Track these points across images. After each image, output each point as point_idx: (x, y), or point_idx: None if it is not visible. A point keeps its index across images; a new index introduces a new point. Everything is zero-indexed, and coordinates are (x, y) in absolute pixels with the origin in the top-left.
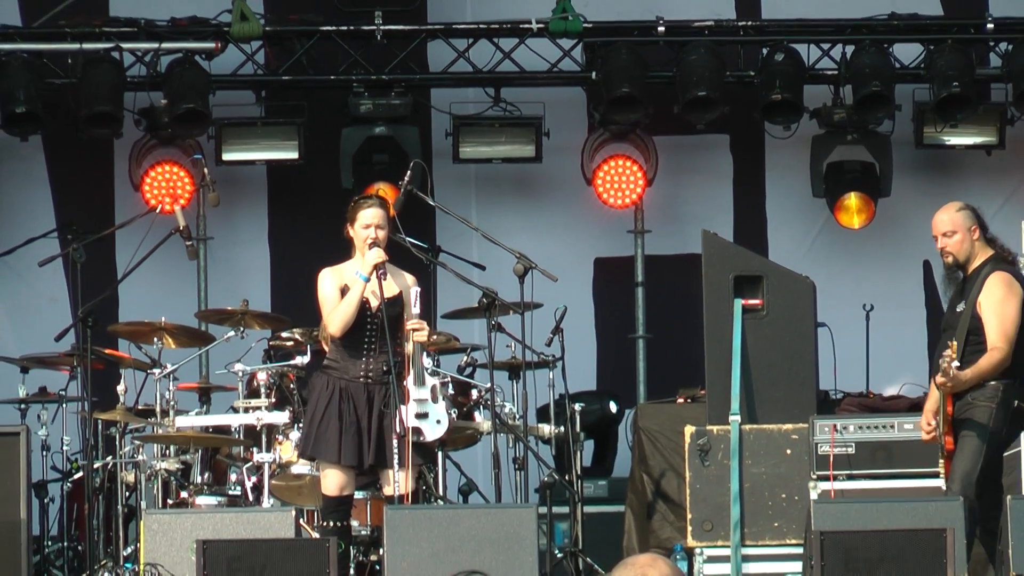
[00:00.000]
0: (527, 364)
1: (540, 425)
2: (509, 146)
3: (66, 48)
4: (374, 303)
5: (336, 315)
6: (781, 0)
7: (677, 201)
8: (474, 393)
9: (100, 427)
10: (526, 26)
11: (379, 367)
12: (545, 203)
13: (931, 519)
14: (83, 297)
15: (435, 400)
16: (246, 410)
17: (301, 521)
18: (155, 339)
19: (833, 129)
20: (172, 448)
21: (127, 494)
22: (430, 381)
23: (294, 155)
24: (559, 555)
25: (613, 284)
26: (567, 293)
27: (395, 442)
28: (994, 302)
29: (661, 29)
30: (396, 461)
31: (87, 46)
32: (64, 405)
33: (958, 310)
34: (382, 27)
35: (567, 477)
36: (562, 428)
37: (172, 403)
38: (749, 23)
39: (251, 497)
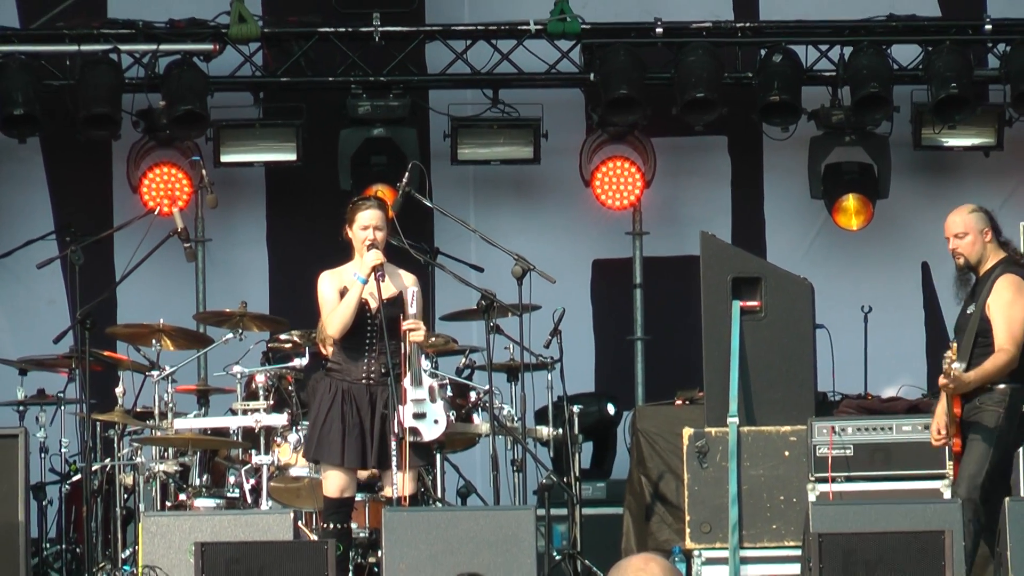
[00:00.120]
0: (525, 366)
1: (538, 427)
2: (507, 147)
3: (64, 50)
4: (373, 305)
5: (334, 317)
6: (779, 1)
7: (675, 203)
8: (472, 395)
9: (98, 429)
10: (524, 27)
11: (380, 368)
12: (543, 205)
13: (929, 521)
14: (81, 299)
15: (433, 400)
16: (244, 412)
17: (299, 523)
18: (153, 341)
19: (831, 130)
20: (170, 450)
21: (125, 496)
22: (428, 381)
23: (292, 157)
24: (557, 557)
25: (611, 286)
26: (565, 295)
27: (393, 444)
28: (1003, 304)
29: (659, 30)
30: (399, 461)
31: (85, 48)
32: (62, 407)
33: (968, 312)
34: (380, 28)
35: (565, 479)
36: (560, 430)
37: (170, 405)
38: (747, 24)
39: (249, 499)
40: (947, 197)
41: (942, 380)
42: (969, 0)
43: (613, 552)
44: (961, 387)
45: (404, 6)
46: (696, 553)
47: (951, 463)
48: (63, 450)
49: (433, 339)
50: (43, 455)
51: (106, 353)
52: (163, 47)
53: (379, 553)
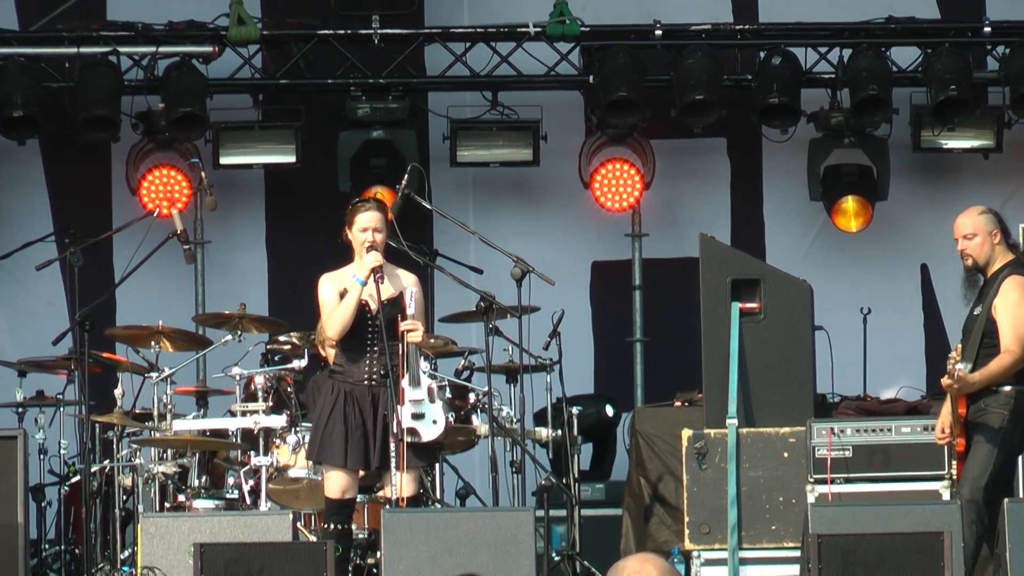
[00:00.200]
0: (524, 368)
1: (537, 429)
2: (506, 150)
3: (63, 52)
4: (374, 306)
5: (333, 319)
6: (778, 3)
7: (674, 205)
8: (471, 397)
9: (97, 431)
10: (523, 30)
11: (380, 370)
12: (542, 207)
13: (928, 522)
14: (80, 301)
15: (432, 401)
16: (243, 414)
17: (298, 524)
18: (152, 343)
19: (830, 132)
20: (169, 452)
21: (124, 498)
22: (426, 382)
23: (291, 159)
24: (556, 558)
25: (610, 288)
26: (564, 297)
27: (392, 444)
28: (1009, 306)
29: (658, 33)
30: (396, 463)
31: (84, 50)
32: (61, 409)
33: (975, 313)
34: (379, 31)
35: (564, 480)
36: (559, 432)
37: (169, 407)
38: (746, 27)
39: (248, 500)
40: (946, 199)
41: (946, 380)
42: (968, 2)
43: (612, 553)
44: (965, 388)
45: (403, 8)
46: (695, 554)
47: (955, 463)
48: (62, 451)
49: (432, 340)
50: (42, 456)
51: (105, 355)
52: (162, 49)
53: (378, 554)
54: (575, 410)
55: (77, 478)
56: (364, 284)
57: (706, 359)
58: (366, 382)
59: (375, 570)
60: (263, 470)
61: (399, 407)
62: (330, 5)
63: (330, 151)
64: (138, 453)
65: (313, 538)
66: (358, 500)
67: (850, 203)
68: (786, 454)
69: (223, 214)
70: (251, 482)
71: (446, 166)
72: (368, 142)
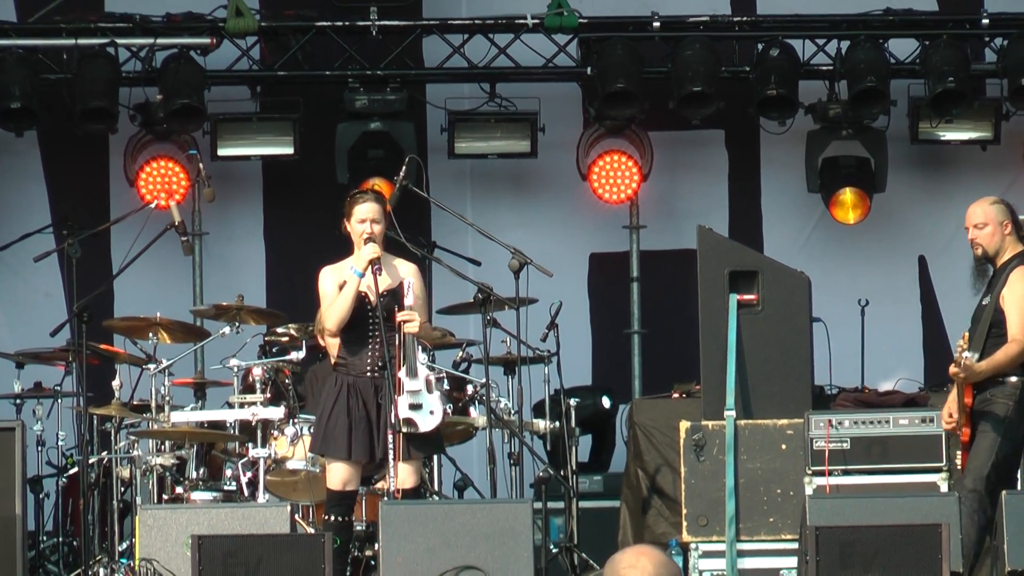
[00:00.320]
0: (522, 359)
1: (536, 420)
2: (504, 141)
3: (61, 44)
4: (374, 298)
5: (331, 311)
6: None
7: (672, 196)
8: (469, 388)
9: (95, 422)
10: (521, 21)
11: (380, 361)
12: (540, 198)
13: (926, 514)
14: (78, 292)
15: (429, 391)
16: (241, 405)
17: (296, 516)
18: (150, 334)
19: (828, 124)
20: (167, 443)
21: (122, 489)
22: (424, 372)
23: (289, 150)
24: (554, 550)
25: (608, 279)
26: (562, 288)
27: (390, 436)
28: (1017, 296)
29: (656, 24)
30: (401, 454)
31: (82, 42)
32: (59, 400)
33: (983, 303)
34: (377, 22)
35: (562, 472)
36: (557, 423)
37: (167, 398)
38: (744, 18)
39: (246, 492)
40: (944, 191)
41: (953, 368)
42: None
43: (610, 545)
44: (972, 376)
45: (401, 0)
46: (693, 546)
47: (959, 453)
48: (60, 443)
49: (434, 331)
50: (40, 448)
51: (103, 346)
52: (160, 41)
53: (376, 546)
54: (573, 402)
55: (75, 470)
56: (362, 276)
57: (704, 351)
58: (368, 374)
59: (373, 562)
60: (261, 462)
61: (397, 398)
62: None
63: (328, 143)
64: (136, 445)
65: (311, 530)
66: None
67: (848, 195)
68: (784, 446)
69: (221, 206)
70: (249, 474)
71: (444, 158)
72: (366, 134)
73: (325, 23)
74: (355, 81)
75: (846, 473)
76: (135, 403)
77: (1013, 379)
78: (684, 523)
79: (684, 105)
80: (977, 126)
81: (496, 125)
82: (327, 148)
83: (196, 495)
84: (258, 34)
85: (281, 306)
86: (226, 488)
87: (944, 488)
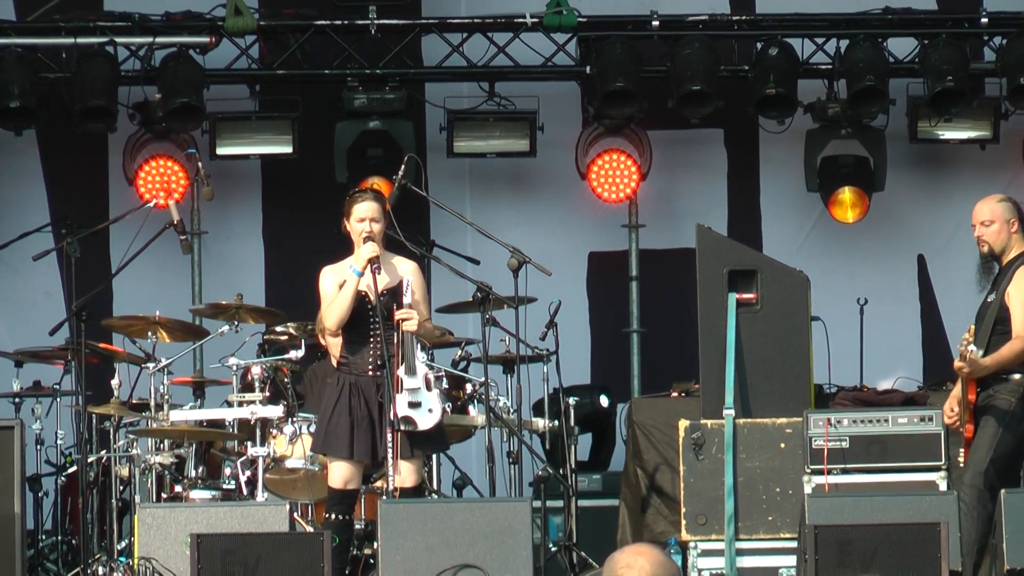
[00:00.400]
0: (521, 358)
1: (535, 419)
2: (503, 140)
3: (60, 42)
4: (373, 297)
5: (331, 310)
6: None
7: (671, 195)
8: (468, 387)
9: (94, 421)
10: (520, 20)
11: (378, 360)
12: (539, 197)
13: (925, 513)
14: (77, 291)
15: (428, 389)
16: (240, 404)
17: (295, 515)
18: (149, 333)
19: (827, 123)
20: (166, 442)
21: (121, 488)
22: (422, 370)
23: (288, 149)
24: (553, 549)
25: (607, 278)
26: (561, 287)
27: (389, 434)
28: (1022, 293)
29: (655, 23)
30: (402, 452)
31: (81, 40)
32: (58, 399)
33: (988, 300)
34: (376, 21)
35: (561, 471)
36: (555, 422)
37: (166, 397)
38: (743, 17)
39: (245, 491)
40: (943, 190)
41: (957, 363)
42: None
43: (609, 544)
44: (977, 371)
45: None
46: (692, 545)
47: (962, 451)
48: (59, 442)
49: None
50: (39, 447)
51: (102, 345)
52: (159, 40)
53: (375, 544)
54: (572, 400)
55: (74, 468)
56: (361, 275)
57: (703, 350)
58: (370, 373)
59: (372, 561)
60: (260, 460)
61: (396, 395)
62: None
63: (327, 142)
64: (135, 443)
65: (310, 528)
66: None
67: (847, 194)
68: (783, 445)
69: (220, 204)
70: (248, 472)
71: (443, 157)
72: (365, 133)
73: (324, 22)
74: (354, 80)
75: (845, 472)
76: (134, 402)
77: (1017, 376)
78: (683, 522)
79: (683, 104)
80: (976, 125)
81: (495, 124)
82: (326, 147)
83: (195, 494)
84: (257, 33)
85: (280, 305)
86: (225, 487)
87: (943, 487)
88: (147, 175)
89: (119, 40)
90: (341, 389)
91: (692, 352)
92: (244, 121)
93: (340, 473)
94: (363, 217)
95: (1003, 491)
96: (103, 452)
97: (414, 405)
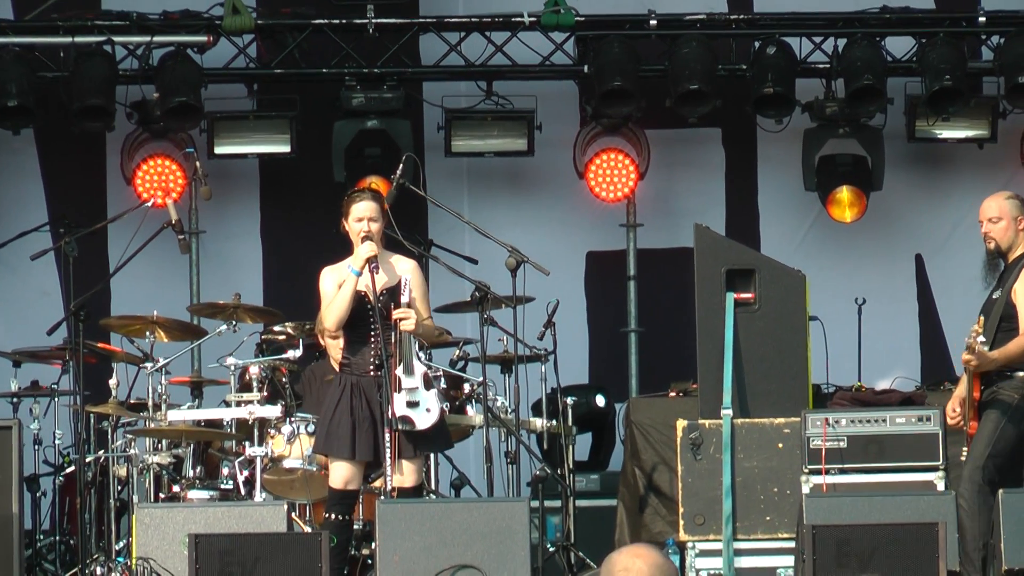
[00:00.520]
0: (519, 358)
1: (533, 419)
2: (501, 139)
3: (58, 41)
4: (372, 297)
5: (330, 311)
6: None
7: (669, 195)
8: (466, 387)
9: (92, 421)
10: (518, 19)
11: (376, 359)
12: (537, 197)
13: (923, 513)
14: (75, 291)
15: (427, 388)
16: (238, 404)
17: (293, 515)
18: (147, 333)
19: (825, 122)
20: (164, 442)
21: (119, 488)
22: (420, 369)
23: (286, 148)
24: (551, 549)
25: (605, 278)
26: (559, 287)
27: (387, 435)
28: None
29: (653, 22)
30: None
31: (79, 39)
32: (56, 399)
33: (994, 297)
34: (374, 20)
35: (559, 471)
36: (554, 422)
37: (164, 397)
38: (741, 16)
39: (243, 491)
40: (941, 189)
41: (966, 356)
42: None
43: (607, 544)
44: (984, 364)
45: None
46: (690, 545)
47: (964, 449)
48: (57, 442)
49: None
50: (37, 447)
51: (100, 345)
52: (157, 39)
53: (373, 545)
54: (569, 400)
55: (72, 468)
56: (359, 274)
57: (701, 349)
58: (371, 373)
59: (370, 561)
60: (258, 460)
61: (394, 395)
62: None
63: (325, 141)
64: (133, 443)
65: (308, 529)
66: None
67: (845, 193)
68: (781, 445)
69: (218, 204)
70: (246, 472)
71: (441, 156)
72: (363, 132)
73: (322, 21)
74: (352, 79)
75: (843, 472)
76: (132, 401)
77: (1021, 373)
78: (681, 522)
79: (681, 103)
80: (974, 124)
81: (493, 123)
82: (324, 146)
83: (193, 494)
84: (255, 32)
85: (278, 304)
86: (223, 487)
87: (941, 487)
88: (145, 174)
89: (117, 39)
90: (343, 389)
91: (690, 352)
92: (242, 120)
93: (341, 473)
94: (361, 216)
95: (1001, 491)
96: (101, 452)
97: (412, 405)
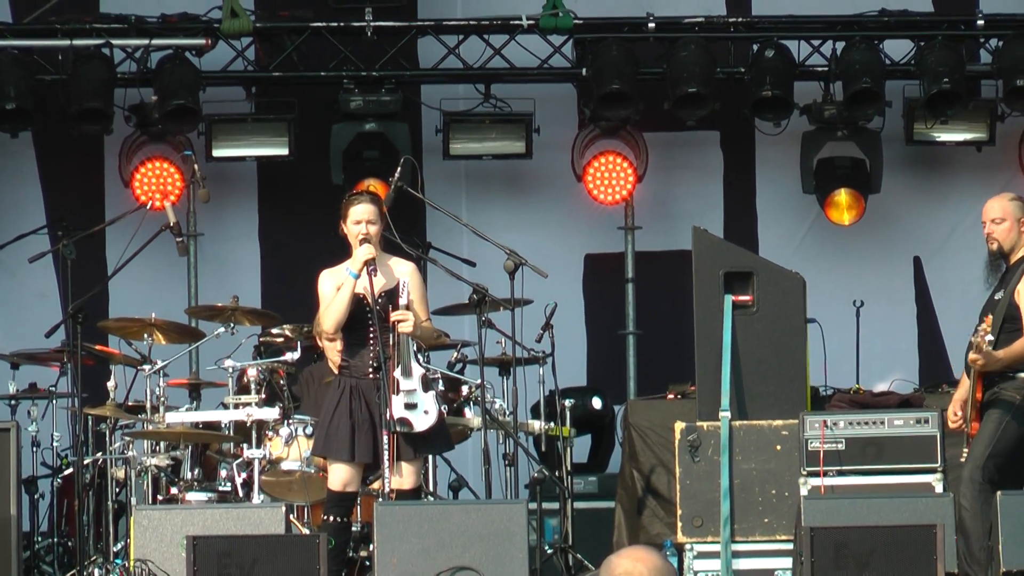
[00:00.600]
0: (517, 360)
1: (531, 421)
2: (499, 142)
3: (56, 44)
4: (371, 299)
5: (328, 313)
6: None
7: (667, 197)
8: (464, 389)
9: (90, 423)
10: (516, 22)
11: (374, 362)
12: (535, 199)
13: (921, 515)
14: (73, 293)
15: (426, 390)
16: (236, 406)
17: (291, 517)
18: (145, 335)
19: (823, 125)
20: (162, 444)
21: (117, 490)
22: (418, 371)
23: (284, 151)
24: (549, 551)
25: (603, 280)
26: (557, 289)
27: (385, 437)
28: None
29: (652, 25)
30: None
31: (77, 42)
32: (54, 401)
33: (996, 298)
34: (372, 23)
35: (557, 473)
36: (551, 424)
37: (162, 399)
38: (739, 19)
39: (241, 493)
40: (939, 192)
41: (972, 355)
42: None
43: (605, 546)
44: (991, 363)
45: (396, 1)
46: (688, 547)
47: (965, 451)
48: (55, 444)
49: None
50: (35, 449)
51: (98, 347)
52: (155, 42)
53: (371, 547)
54: (567, 403)
55: (70, 470)
56: (357, 277)
57: (699, 352)
58: (370, 375)
59: (368, 563)
60: (256, 462)
61: (392, 397)
62: None
63: (323, 144)
64: (131, 445)
65: (306, 531)
66: None
67: (843, 196)
68: (779, 447)
69: (216, 206)
70: (244, 475)
71: (439, 159)
72: (361, 135)
73: (320, 24)
74: (350, 82)
75: (841, 474)
76: (130, 404)
77: (1022, 374)
78: (679, 524)
79: (679, 106)
80: (972, 127)
81: (491, 126)
82: (322, 149)
83: (191, 496)
84: (253, 35)
85: (276, 307)
86: (221, 489)
87: (939, 489)
88: (143, 177)
89: (115, 42)
90: (342, 392)
91: (688, 354)
92: (240, 123)
93: (340, 476)
94: (359, 219)
95: (999, 493)
96: (99, 454)
97: (410, 407)
